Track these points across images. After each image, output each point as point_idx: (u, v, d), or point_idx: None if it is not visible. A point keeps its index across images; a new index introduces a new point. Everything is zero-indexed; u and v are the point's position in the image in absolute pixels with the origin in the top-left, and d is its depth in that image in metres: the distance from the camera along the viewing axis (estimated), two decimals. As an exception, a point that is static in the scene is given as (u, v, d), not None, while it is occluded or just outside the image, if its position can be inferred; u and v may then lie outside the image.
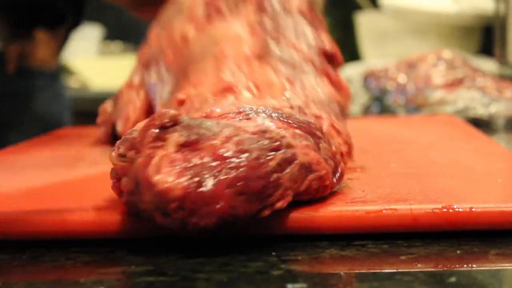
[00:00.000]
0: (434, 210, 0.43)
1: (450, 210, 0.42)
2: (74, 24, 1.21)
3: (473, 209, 0.42)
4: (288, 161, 0.41)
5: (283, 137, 0.41)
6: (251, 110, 0.45)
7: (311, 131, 0.45)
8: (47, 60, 1.15)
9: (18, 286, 0.38)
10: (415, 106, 1.00)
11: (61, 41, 1.20)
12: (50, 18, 1.16)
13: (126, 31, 2.37)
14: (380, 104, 1.05)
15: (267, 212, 0.40)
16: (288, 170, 0.40)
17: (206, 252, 0.41)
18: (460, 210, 0.42)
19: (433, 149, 0.65)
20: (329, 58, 0.58)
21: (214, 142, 0.39)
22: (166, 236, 0.43)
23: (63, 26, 1.19)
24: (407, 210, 0.43)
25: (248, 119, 0.43)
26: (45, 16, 1.16)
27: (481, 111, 0.94)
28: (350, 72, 1.19)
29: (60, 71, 1.26)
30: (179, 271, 0.39)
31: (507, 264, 0.40)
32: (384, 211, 0.43)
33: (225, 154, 0.38)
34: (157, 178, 0.37)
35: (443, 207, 0.43)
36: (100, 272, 0.39)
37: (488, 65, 1.26)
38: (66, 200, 0.47)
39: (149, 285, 0.37)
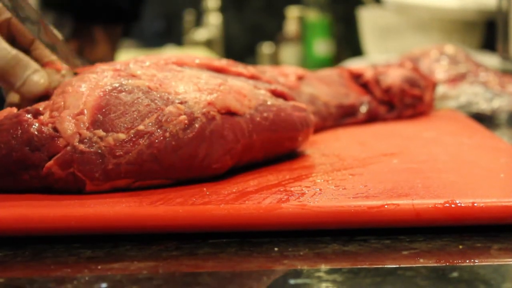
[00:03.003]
0: (436, 205, 0.42)
1: (452, 205, 0.42)
2: (131, 20, 1.22)
3: (475, 204, 0.42)
4: None
5: None
6: None
7: None
8: (105, 57, 1.14)
9: (21, 282, 0.38)
10: (417, 101, 1.00)
11: (118, 38, 1.20)
12: (109, 15, 1.16)
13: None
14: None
15: None
16: None
17: (209, 248, 0.41)
18: (462, 205, 0.42)
19: (436, 144, 0.65)
20: (279, 96, 0.60)
21: None
22: (169, 232, 0.43)
23: (121, 23, 1.19)
24: (409, 205, 0.43)
25: None
26: (104, 13, 1.15)
27: (483, 106, 0.93)
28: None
29: None
30: (181, 267, 0.39)
31: (510, 259, 0.40)
32: (386, 206, 0.43)
33: None
34: None
35: (445, 202, 0.43)
36: (103, 268, 0.39)
37: (491, 60, 1.26)
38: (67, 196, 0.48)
39: (152, 280, 0.37)
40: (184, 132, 0.49)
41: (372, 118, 0.82)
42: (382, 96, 0.83)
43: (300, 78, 0.76)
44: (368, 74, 0.83)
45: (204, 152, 0.50)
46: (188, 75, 0.55)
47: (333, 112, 0.77)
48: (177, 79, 0.54)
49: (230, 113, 0.52)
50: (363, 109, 0.81)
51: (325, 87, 0.79)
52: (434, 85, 0.89)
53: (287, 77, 0.73)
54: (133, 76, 0.53)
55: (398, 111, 0.84)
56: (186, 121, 0.50)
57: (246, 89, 0.55)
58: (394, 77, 0.84)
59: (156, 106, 0.50)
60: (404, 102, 0.84)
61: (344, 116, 0.79)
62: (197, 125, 0.50)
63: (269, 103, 0.56)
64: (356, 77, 0.84)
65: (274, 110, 0.56)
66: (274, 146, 0.56)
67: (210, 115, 0.51)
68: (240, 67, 0.61)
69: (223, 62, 0.60)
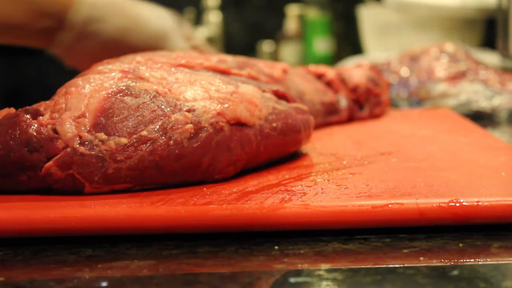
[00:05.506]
0: (440, 204, 0.42)
1: (457, 204, 0.42)
2: None
3: (480, 203, 0.42)
4: None
5: None
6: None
7: None
8: None
9: (21, 281, 0.38)
10: (417, 100, 1.00)
11: None
12: None
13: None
14: (382, 98, 1.05)
15: None
16: None
17: (209, 247, 0.41)
18: (467, 204, 0.42)
19: (432, 142, 0.65)
20: (281, 98, 0.59)
21: None
22: (170, 232, 0.43)
23: None
24: (414, 205, 0.43)
25: None
26: None
27: (484, 104, 0.93)
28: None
29: None
30: (181, 266, 0.39)
31: (510, 258, 0.40)
32: (390, 206, 0.43)
33: None
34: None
35: (450, 201, 0.43)
36: (103, 266, 0.39)
37: (491, 58, 1.26)
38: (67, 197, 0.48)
39: (152, 279, 0.37)
40: (189, 141, 0.49)
41: (350, 116, 0.82)
42: (349, 95, 0.83)
43: (284, 71, 0.75)
44: (331, 74, 0.83)
45: (207, 163, 0.49)
46: (200, 79, 0.54)
47: (319, 110, 0.77)
48: (188, 84, 0.53)
49: (240, 124, 0.52)
50: (343, 106, 0.81)
51: (306, 83, 0.78)
52: (388, 85, 0.90)
53: (273, 69, 0.72)
54: (141, 78, 0.52)
55: (368, 109, 0.84)
56: (192, 130, 0.49)
57: (257, 98, 0.54)
58: (360, 76, 0.84)
59: (162, 112, 0.49)
60: (370, 101, 0.85)
61: (328, 114, 0.79)
62: (203, 135, 0.49)
63: (277, 110, 0.55)
64: (318, 77, 0.84)
65: (282, 118, 0.55)
66: (279, 152, 0.56)
67: (218, 126, 0.50)
68: (242, 68, 0.61)
69: (226, 62, 0.60)
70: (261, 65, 0.69)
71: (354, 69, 0.87)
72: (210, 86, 0.53)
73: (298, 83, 0.76)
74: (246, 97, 0.53)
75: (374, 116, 0.85)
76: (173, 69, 0.55)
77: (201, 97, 0.52)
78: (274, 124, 0.54)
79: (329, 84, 0.83)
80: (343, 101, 0.82)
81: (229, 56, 0.64)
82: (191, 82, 0.53)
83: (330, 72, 0.83)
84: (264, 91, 0.57)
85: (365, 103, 0.84)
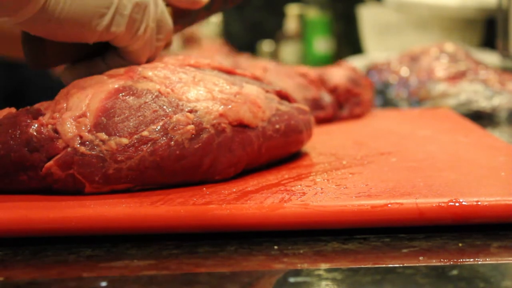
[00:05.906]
0: (440, 204, 0.42)
1: (457, 204, 0.42)
2: None
3: (479, 203, 0.42)
4: None
5: None
6: None
7: None
8: None
9: (21, 282, 0.38)
10: (417, 99, 1.00)
11: None
12: None
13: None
14: (382, 98, 1.05)
15: None
16: None
17: (208, 246, 0.41)
18: (466, 204, 0.42)
19: (432, 142, 0.65)
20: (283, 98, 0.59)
21: None
22: (170, 232, 0.43)
23: None
24: (413, 204, 0.43)
25: None
26: None
27: (483, 103, 0.93)
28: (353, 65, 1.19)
29: None
30: (181, 265, 0.39)
31: (509, 257, 0.40)
32: (389, 205, 0.43)
33: None
34: None
35: (449, 201, 0.43)
36: (103, 266, 0.39)
37: (491, 57, 1.26)
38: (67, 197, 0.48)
39: (152, 279, 0.37)
40: (190, 142, 0.49)
41: (334, 115, 0.83)
42: (329, 95, 0.84)
43: (264, 70, 0.76)
44: (312, 74, 0.84)
45: (208, 164, 0.49)
46: (204, 79, 0.54)
47: None
48: (192, 84, 0.53)
49: (242, 125, 0.51)
50: (327, 102, 0.82)
51: (287, 79, 0.79)
52: (372, 85, 0.91)
53: (253, 68, 0.72)
54: (144, 77, 0.52)
55: (349, 109, 0.85)
56: (193, 131, 0.49)
57: (261, 99, 0.54)
58: (339, 76, 0.86)
59: (164, 112, 0.49)
60: (350, 101, 0.85)
61: (312, 109, 0.79)
62: (204, 136, 0.49)
63: (280, 111, 0.55)
64: (302, 76, 0.84)
65: (285, 119, 0.55)
66: (280, 153, 0.56)
67: (220, 127, 0.50)
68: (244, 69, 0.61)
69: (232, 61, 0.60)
70: (244, 65, 0.69)
71: (334, 70, 0.87)
72: (214, 87, 0.53)
73: (278, 81, 0.76)
74: (250, 98, 0.53)
75: (354, 116, 0.85)
76: (177, 68, 0.55)
77: (204, 97, 0.51)
78: (277, 126, 0.54)
79: (310, 84, 0.84)
80: (327, 97, 0.82)
81: (218, 57, 0.64)
82: (195, 82, 0.53)
83: (311, 73, 0.84)
84: (267, 91, 0.57)
85: (345, 103, 0.85)
